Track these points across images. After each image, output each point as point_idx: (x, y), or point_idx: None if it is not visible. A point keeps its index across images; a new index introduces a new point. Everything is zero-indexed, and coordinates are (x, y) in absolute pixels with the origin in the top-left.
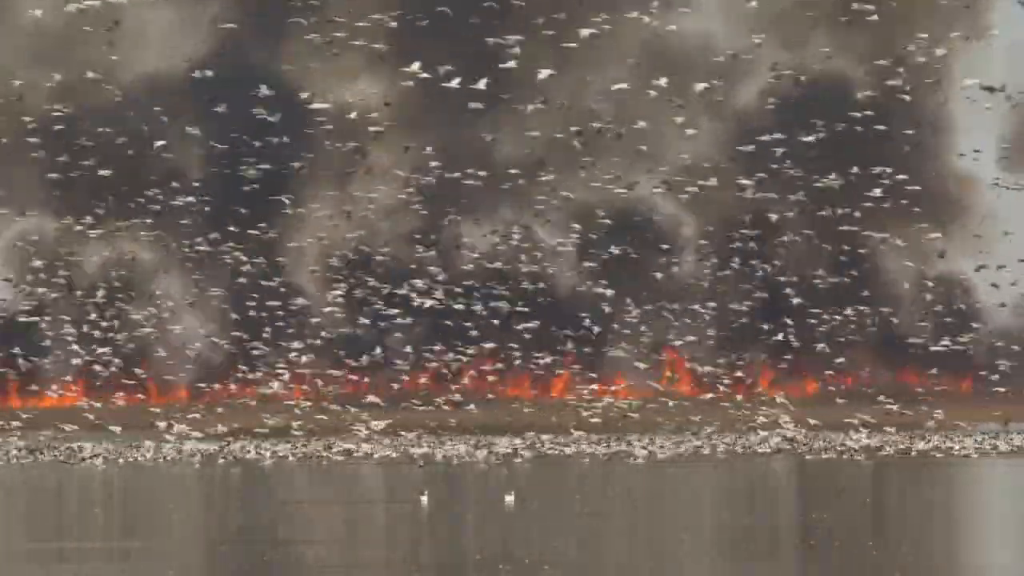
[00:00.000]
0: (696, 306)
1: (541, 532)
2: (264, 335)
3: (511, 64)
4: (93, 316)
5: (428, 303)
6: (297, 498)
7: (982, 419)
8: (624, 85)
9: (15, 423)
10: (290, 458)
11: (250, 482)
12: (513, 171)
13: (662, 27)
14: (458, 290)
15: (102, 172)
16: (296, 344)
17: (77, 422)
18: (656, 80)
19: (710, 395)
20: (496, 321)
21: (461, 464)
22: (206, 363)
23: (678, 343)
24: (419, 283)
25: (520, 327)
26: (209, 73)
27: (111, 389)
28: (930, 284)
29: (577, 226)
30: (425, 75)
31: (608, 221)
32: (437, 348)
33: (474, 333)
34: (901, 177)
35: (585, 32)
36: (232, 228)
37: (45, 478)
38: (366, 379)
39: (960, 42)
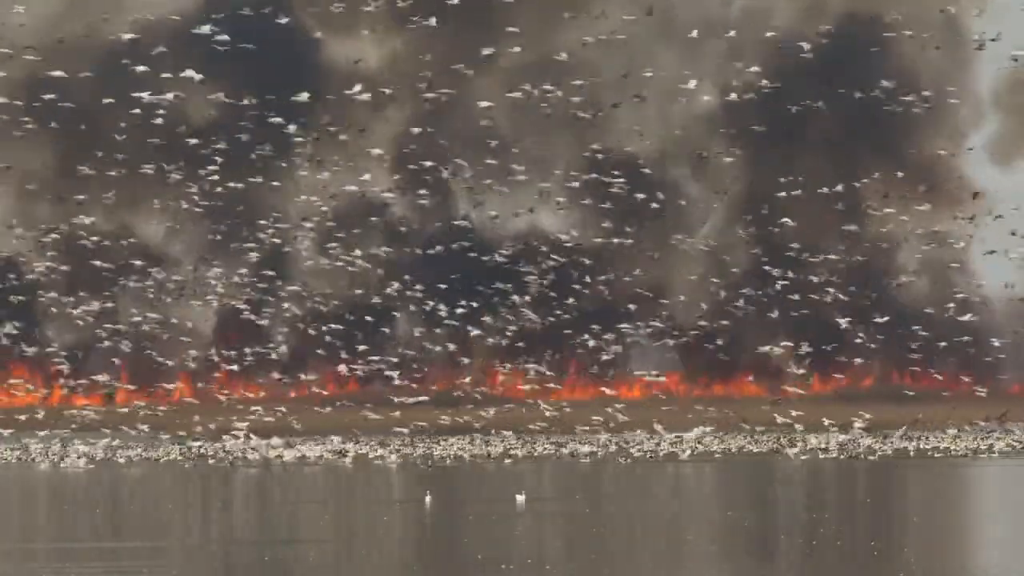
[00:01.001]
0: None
1: (547, 532)
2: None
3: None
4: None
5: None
6: (299, 498)
7: (982, 418)
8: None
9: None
10: (286, 458)
11: (252, 481)
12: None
13: None
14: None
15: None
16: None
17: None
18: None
19: (707, 393)
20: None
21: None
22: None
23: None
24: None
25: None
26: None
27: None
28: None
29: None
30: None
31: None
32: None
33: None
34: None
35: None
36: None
37: (35, 480)
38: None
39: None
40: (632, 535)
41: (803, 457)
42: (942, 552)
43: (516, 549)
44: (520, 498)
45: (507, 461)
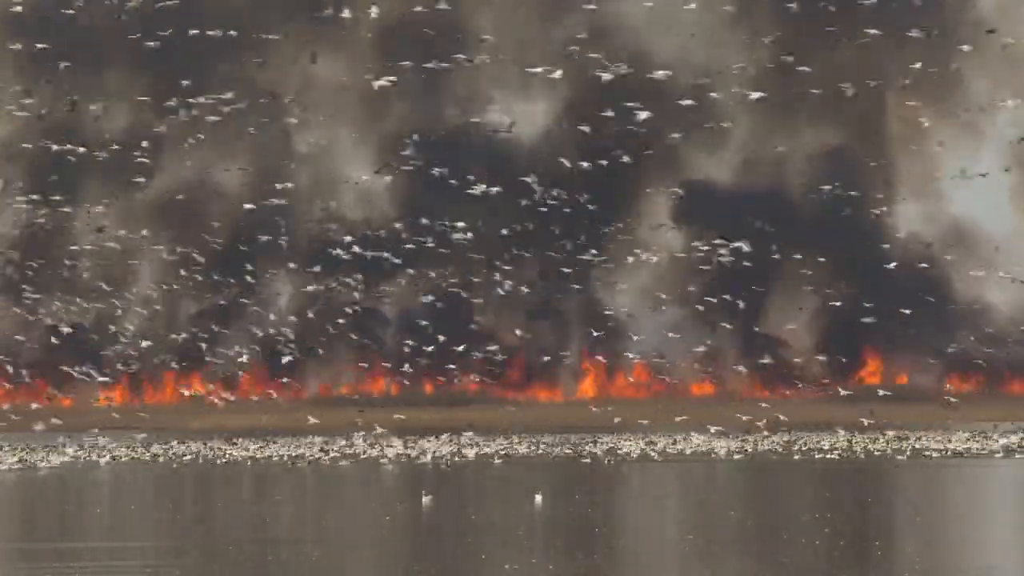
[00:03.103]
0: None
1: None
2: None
3: None
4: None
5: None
6: (300, 498)
7: (985, 418)
8: None
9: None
10: (285, 459)
11: (254, 481)
12: None
13: None
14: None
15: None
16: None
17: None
18: None
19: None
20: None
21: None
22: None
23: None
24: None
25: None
26: None
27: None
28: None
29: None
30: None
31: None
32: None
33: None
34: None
35: None
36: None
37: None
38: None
39: None
40: (634, 535)
41: (796, 458)
42: (944, 552)
43: (518, 549)
44: (538, 498)
45: (498, 462)
